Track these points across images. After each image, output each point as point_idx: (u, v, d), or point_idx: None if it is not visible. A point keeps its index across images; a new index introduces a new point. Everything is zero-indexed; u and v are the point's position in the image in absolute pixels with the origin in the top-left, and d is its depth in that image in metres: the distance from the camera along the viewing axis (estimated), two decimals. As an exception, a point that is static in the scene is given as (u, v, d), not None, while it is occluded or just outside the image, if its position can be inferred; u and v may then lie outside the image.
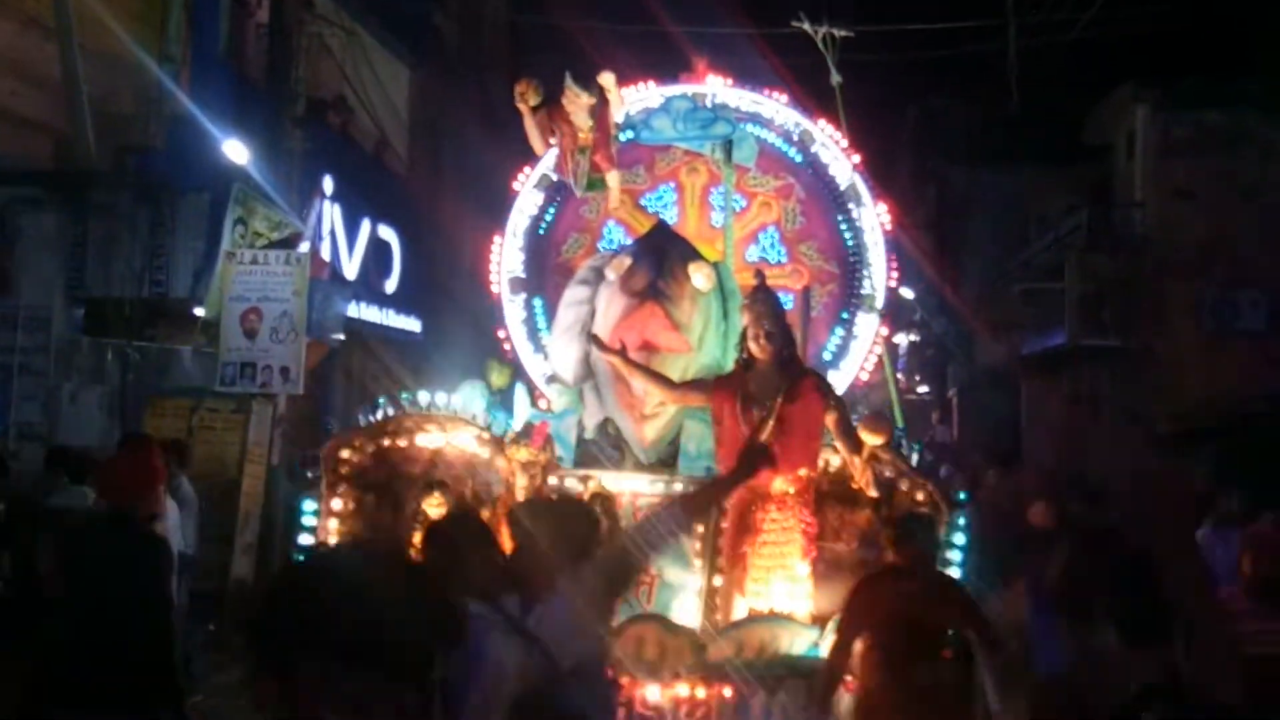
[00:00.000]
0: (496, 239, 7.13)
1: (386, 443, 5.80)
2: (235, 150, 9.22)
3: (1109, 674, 2.65)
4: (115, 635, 3.88)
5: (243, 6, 10.29)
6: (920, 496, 5.38)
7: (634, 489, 5.65)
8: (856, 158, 6.96)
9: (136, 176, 9.48)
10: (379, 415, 5.82)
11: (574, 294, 6.18)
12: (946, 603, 4.41)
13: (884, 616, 4.29)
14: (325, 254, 11.07)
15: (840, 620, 4.52)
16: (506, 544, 5.00)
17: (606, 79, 5.98)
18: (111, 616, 3.90)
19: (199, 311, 9.28)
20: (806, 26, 8.72)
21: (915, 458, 5.63)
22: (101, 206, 9.45)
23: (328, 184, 11.01)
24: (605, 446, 5.92)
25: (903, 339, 25.88)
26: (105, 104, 8.93)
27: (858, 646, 4.37)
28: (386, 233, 13.03)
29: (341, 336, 10.53)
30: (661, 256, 5.82)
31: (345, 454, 5.69)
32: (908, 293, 20.92)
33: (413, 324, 13.82)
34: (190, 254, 9.70)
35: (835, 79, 8.29)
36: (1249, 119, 16.27)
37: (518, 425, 5.93)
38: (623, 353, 5.52)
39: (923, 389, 26.12)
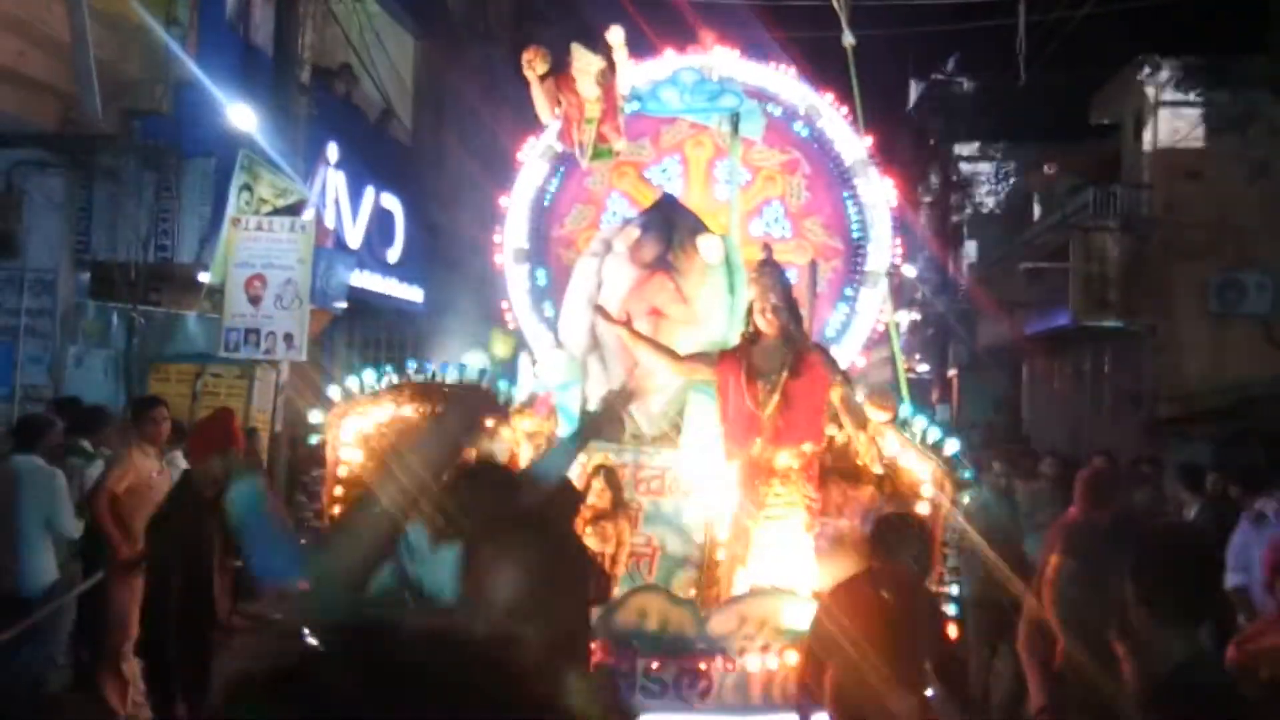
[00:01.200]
0: (501, 207, 7.12)
1: (391, 410, 5.83)
2: (241, 116, 9.20)
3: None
4: None
5: (250, -29, 10.25)
6: (926, 474, 5.37)
7: (637, 462, 5.68)
8: (868, 139, 6.93)
9: (143, 141, 9.46)
10: (383, 383, 5.85)
11: (584, 266, 6.18)
12: (924, 621, 4.16)
13: (857, 636, 3.95)
14: (329, 222, 11.04)
15: (809, 640, 4.22)
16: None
17: (615, 36, 5.91)
18: None
19: (204, 277, 9.28)
20: None
21: (925, 429, 5.53)
22: (108, 170, 9.44)
23: (332, 151, 10.97)
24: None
25: (904, 317, 25.86)
26: (112, 68, 8.90)
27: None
28: (390, 201, 12.99)
29: (344, 304, 10.54)
30: (671, 229, 5.82)
31: (349, 420, 5.72)
32: (910, 270, 20.92)
33: (415, 293, 13.81)
34: (196, 219, 9.70)
35: (848, 39, 8.19)
36: (1258, 99, 16.20)
37: (522, 396, 5.94)
38: (629, 324, 5.52)
39: (923, 367, 26.13)
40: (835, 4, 8.37)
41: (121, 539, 6.16)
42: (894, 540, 4.10)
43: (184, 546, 4.87)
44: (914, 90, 26.31)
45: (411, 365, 5.99)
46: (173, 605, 4.85)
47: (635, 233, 5.85)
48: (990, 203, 23.09)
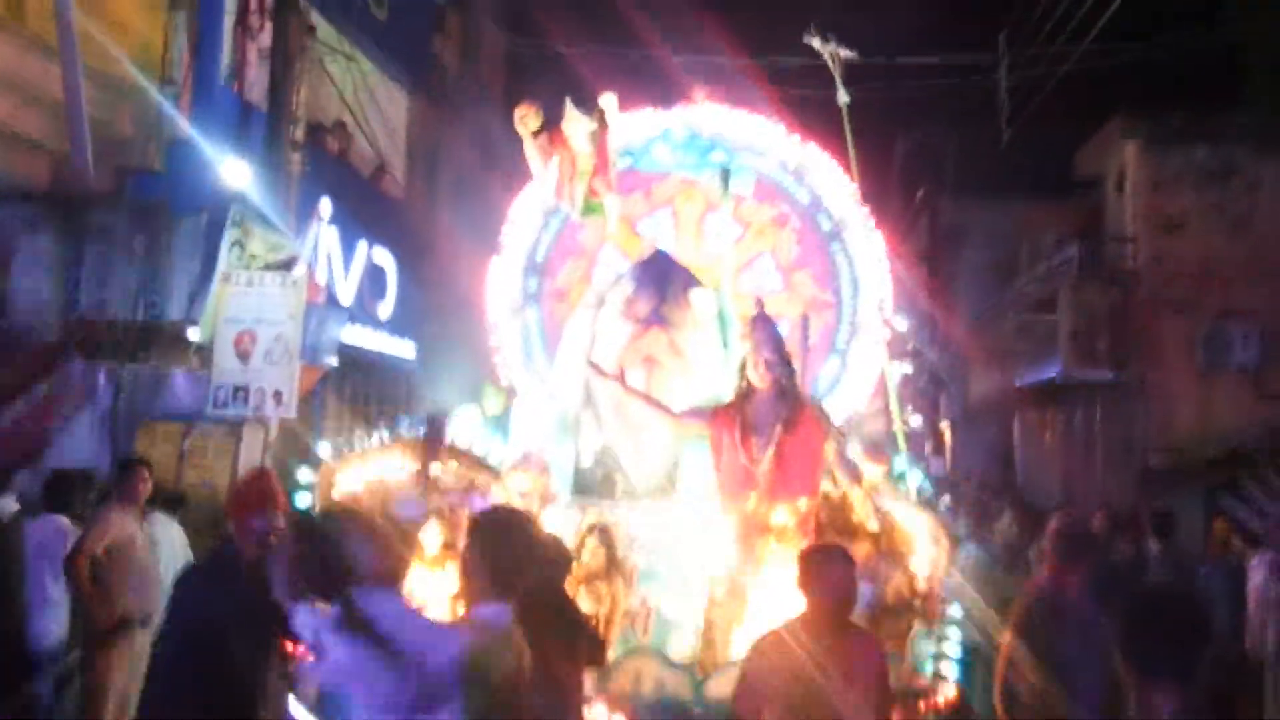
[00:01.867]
0: (494, 263, 7.15)
1: (382, 469, 5.78)
2: (234, 172, 9.23)
3: None
4: None
5: (245, 32, 10.33)
6: (923, 529, 5.32)
7: (632, 519, 5.60)
8: (855, 186, 6.99)
9: (134, 199, 9.47)
10: (374, 440, 5.82)
11: (577, 320, 6.19)
12: (862, 672, 3.67)
13: (786, 688, 3.54)
14: (321, 277, 11.05)
15: (736, 692, 3.80)
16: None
17: (608, 101, 6.00)
18: None
19: (193, 334, 9.24)
20: (815, 43, 8.77)
21: (918, 481, 5.53)
22: (98, 228, 9.43)
23: (325, 207, 11.01)
24: (600, 475, 5.90)
25: (896, 369, 25.91)
26: (105, 126, 8.94)
27: None
28: (382, 257, 13.02)
29: (335, 360, 10.50)
30: (664, 283, 5.86)
31: (340, 480, 5.67)
32: (901, 323, 21.00)
33: (407, 348, 13.78)
34: (186, 276, 9.67)
35: (843, 98, 8.33)
36: (1237, 153, 16.40)
37: (515, 452, 5.89)
38: (622, 379, 5.50)
39: (916, 419, 26.13)
40: (830, 64, 8.51)
41: (100, 603, 6.03)
42: (821, 563, 3.71)
43: (229, 617, 4.03)
44: (900, 146, 26.61)
45: (404, 422, 5.97)
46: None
47: (629, 287, 5.88)
48: (978, 256, 23.24)
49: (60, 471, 7.32)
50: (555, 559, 4.23)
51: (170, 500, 7.81)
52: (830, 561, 3.81)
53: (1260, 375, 15.63)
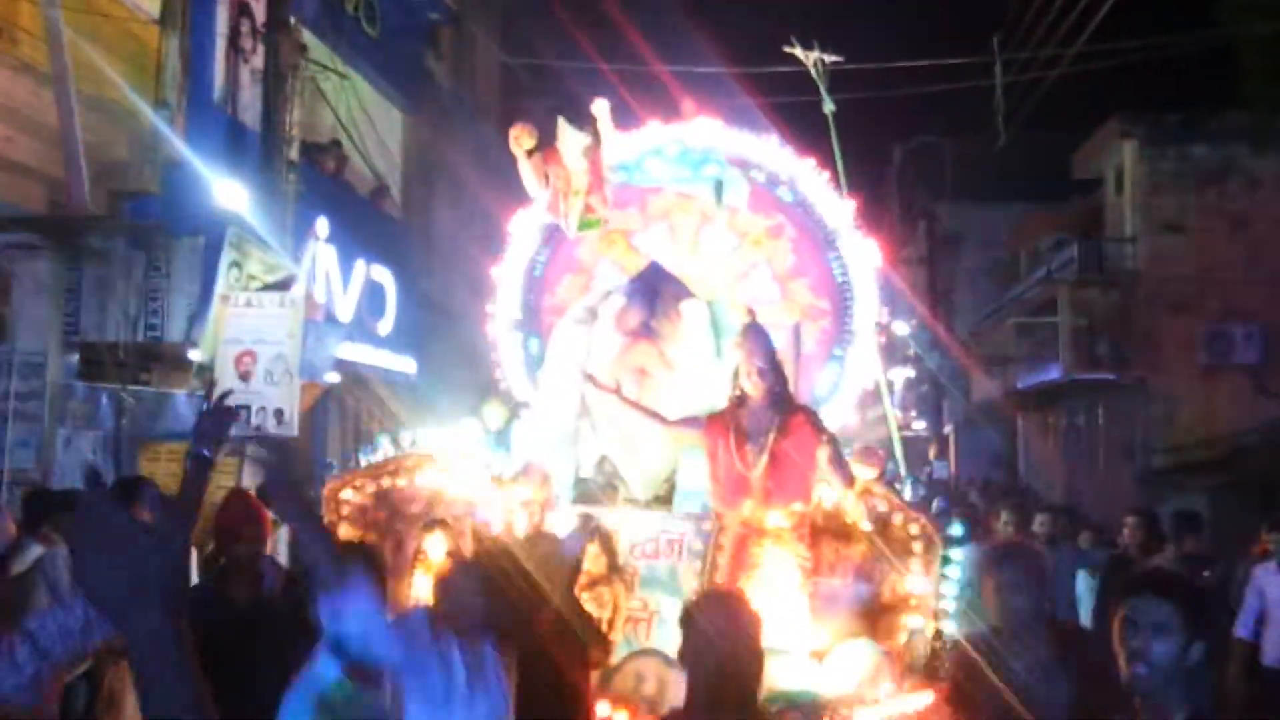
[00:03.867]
0: (493, 279, 7.19)
1: (387, 483, 5.89)
2: (230, 194, 9.28)
3: None
4: None
5: (238, 52, 10.39)
6: (914, 531, 5.41)
7: (631, 526, 5.67)
8: (851, 202, 7.03)
9: (131, 221, 9.52)
10: (379, 455, 5.89)
11: (568, 334, 6.24)
12: None
13: None
14: (320, 296, 11.09)
15: None
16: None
17: (600, 108, 6.05)
18: None
19: (193, 355, 9.28)
20: (798, 51, 8.81)
21: (909, 491, 5.66)
22: (96, 252, 9.48)
23: (322, 226, 11.04)
24: (600, 483, 5.96)
25: (899, 374, 25.90)
26: (100, 150, 8.98)
27: None
28: (381, 274, 13.07)
29: (335, 377, 10.53)
30: (654, 296, 5.90)
31: (346, 494, 5.72)
32: (902, 328, 21.04)
33: (407, 364, 13.83)
34: (185, 298, 9.72)
35: (828, 106, 8.37)
36: (1235, 152, 16.45)
37: (517, 464, 5.94)
38: (618, 391, 5.56)
39: (919, 424, 26.14)
40: (814, 74, 8.54)
41: None
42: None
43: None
44: (897, 152, 26.67)
45: (408, 436, 6.03)
46: None
47: (620, 301, 5.95)
48: (977, 260, 23.28)
49: (38, 491, 7.30)
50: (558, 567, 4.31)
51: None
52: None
53: (1262, 374, 15.63)
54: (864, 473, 5.23)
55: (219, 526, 4.49)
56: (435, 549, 5.34)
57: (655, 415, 5.58)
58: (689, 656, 2.93)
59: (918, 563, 5.24)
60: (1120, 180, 17.91)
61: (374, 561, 3.06)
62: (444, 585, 3.68)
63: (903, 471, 7.04)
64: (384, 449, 6.03)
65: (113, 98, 8.86)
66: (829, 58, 8.70)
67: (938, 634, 5.14)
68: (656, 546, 5.63)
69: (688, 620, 2.98)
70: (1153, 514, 8.16)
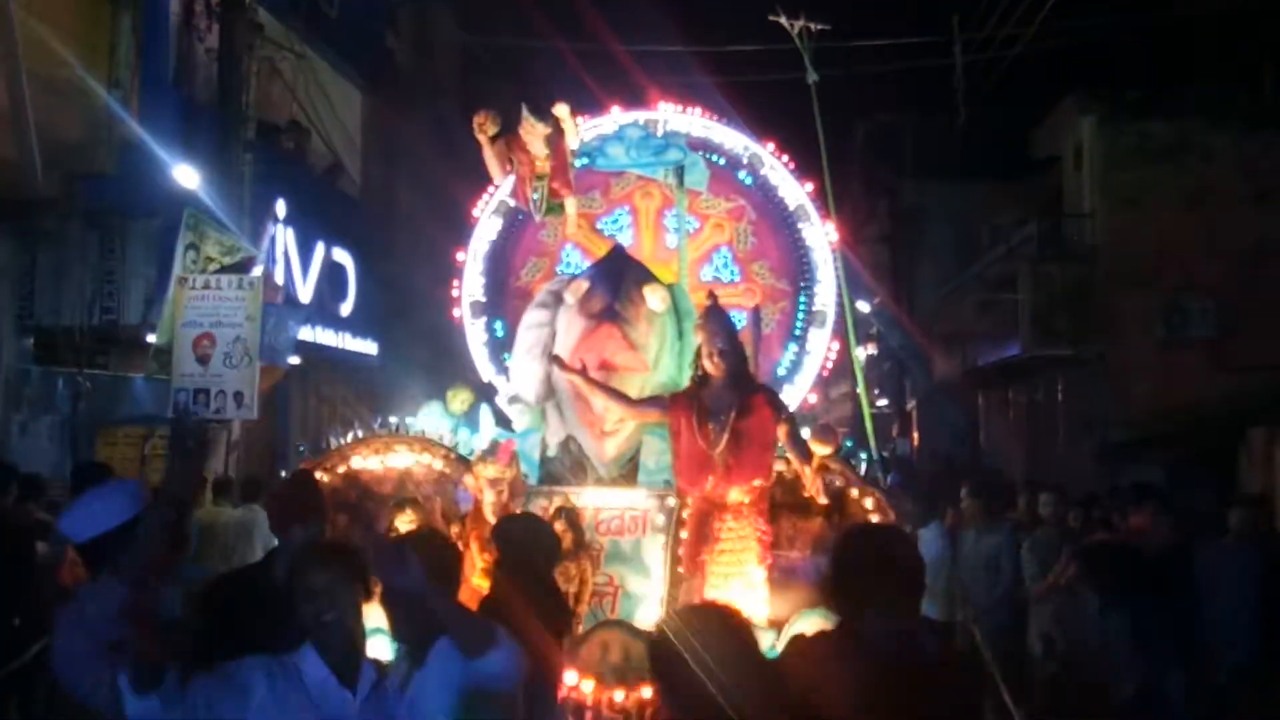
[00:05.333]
0: (457, 261, 7.21)
1: (357, 463, 6.00)
2: (186, 175, 9.17)
3: None
4: None
5: (192, 31, 10.24)
6: (869, 505, 5.53)
7: (596, 503, 5.76)
8: (809, 186, 7.09)
9: (86, 203, 9.40)
10: (349, 438, 6.01)
11: (533, 317, 6.31)
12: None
13: None
14: (279, 278, 11.01)
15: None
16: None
17: (561, 110, 6.13)
18: None
19: (151, 338, 9.19)
20: (784, 21, 8.79)
21: (864, 467, 5.78)
22: (51, 234, 9.36)
23: (280, 207, 10.96)
24: (567, 463, 6.03)
25: (860, 353, 26.06)
26: (53, 131, 8.84)
27: None
28: (341, 256, 12.98)
29: (295, 360, 10.47)
30: (618, 280, 5.97)
31: (318, 475, 5.73)
32: (864, 306, 21.14)
33: (369, 346, 13.77)
34: (141, 280, 9.62)
35: (811, 76, 8.38)
36: (1192, 127, 16.60)
37: (484, 444, 6.00)
38: (583, 372, 5.61)
39: (882, 402, 26.32)
40: (799, 43, 8.55)
41: None
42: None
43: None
44: (860, 130, 26.72)
45: (376, 420, 6.07)
46: None
47: (584, 285, 6.03)
48: (938, 237, 23.43)
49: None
50: (541, 542, 4.40)
51: None
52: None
53: (1219, 348, 15.83)
54: (821, 450, 5.32)
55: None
56: (405, 528, 5.37)
57: (619, 395, 5.63)
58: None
59: None
60: (1079, 156, 18.05)
61: (360, 556, 3.00)
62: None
63: (873, 447, 7.13)
64: (354, 431, 6.09)
65: (65, 78, 8.72)
66: (816, 26, 8.68)
67: None
68: (621, 523, 5.73)
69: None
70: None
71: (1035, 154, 20.59)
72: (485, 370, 7.06)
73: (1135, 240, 16.37)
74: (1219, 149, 16.49)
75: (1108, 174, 17.11)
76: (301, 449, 6.51)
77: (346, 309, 13.23)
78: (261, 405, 9.41)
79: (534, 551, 4.25)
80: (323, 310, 12.46)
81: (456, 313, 7.22)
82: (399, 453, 6.04)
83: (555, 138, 6.21)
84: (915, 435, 25.22)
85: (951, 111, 22.88)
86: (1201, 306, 16.23)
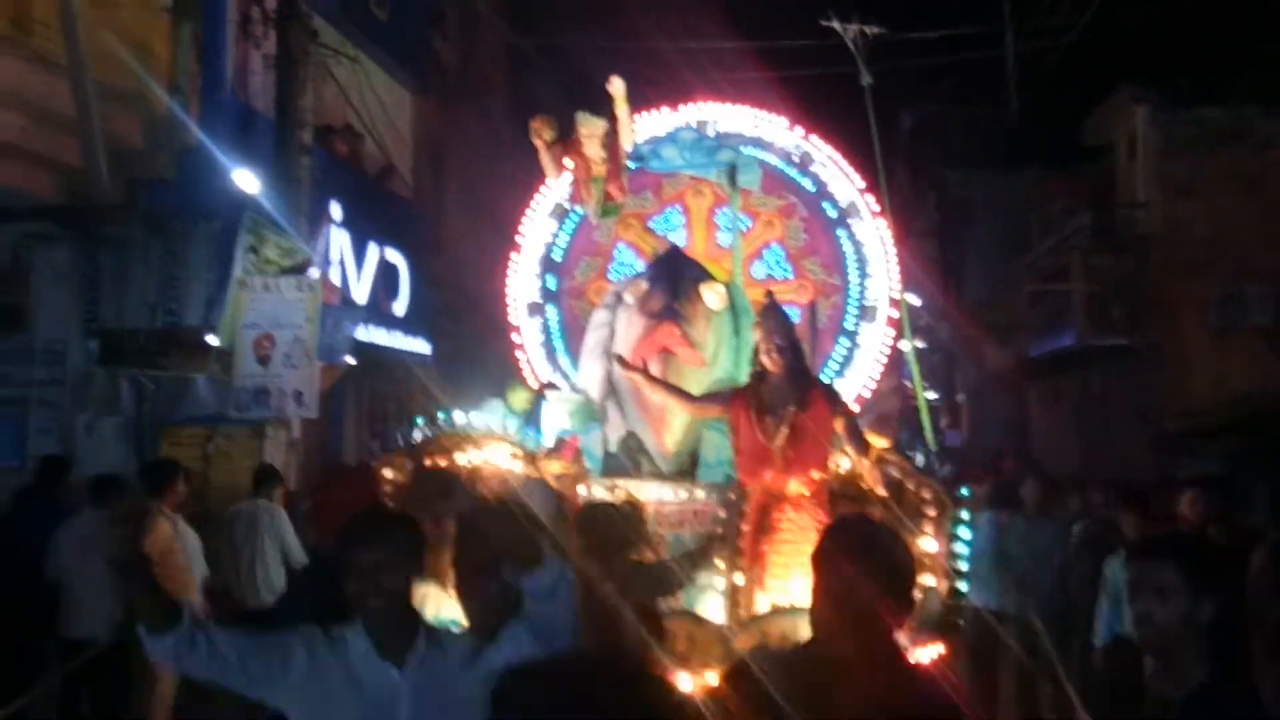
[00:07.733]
0: (512, 263, 7.29)
1: (427, 462, 5.98)
2: (245, 180, 9.34)
3: None
4: None
5: (250, 39, 10.42)
6: (926, 495, 5.56)
7: (658, 497, 5.82)
8: (860, 181, 7.11)
9: (148, 209, 9.60)
10: (416, 435, 6.01)
11: (596, 318, 6.44)
12: None
13: None
14: (335, 279, 11.18)
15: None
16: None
17: (616, 87, 6.14)
18: None
19: (212, 340, 9.38)
20: (837, 25, 8.83)
21: (920, 458, 5.81)
22: (114, 239, 9.57)
23: (335, 210, 11.12)
24: (628, 458, 6.11)
25: (907, 345, 25.86)
26: (116, 138, 9.04)
27: None
28: (394, 256, 13.14)
29: (352, 360, 10.64)
30: (676, 279, 6.08)
31: (388, 473, 5.83)
32: (913, 299, 20.99)
33: (422, 345, 13.92)
34: (202, 283, 9.81)
35: (865, 79, 8.43)
36: (1248, 114, 16.33)
37: (548, 441, 6.12)
38: (645, 370, 5.71)
39: (932, 395, 26.13)
40: (852, 47, 8.59)
41: None
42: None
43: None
44: (906, 121, 26.49)
45: (442, 417, 6.12)
46: None
47: (643, 285, 6.13)
48: (988, 229, 23.21)
49: (103, 476, 7.49)
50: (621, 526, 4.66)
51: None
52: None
53: (1276, 336, 15.57)
54: (878, 442, 5.38)
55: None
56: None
57: (680, 393, 5.73)
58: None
59: (930, 525, 5.41)
60: (1132, 146, 17.82)
61: (416, 530, 3.02)
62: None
63: (930, 438, 7.16)
64: (422, 429, 6.13)
65: (127, 86, 8.90)
66: (870, 29, 8.72)
67: (952, 592, 5.36)
68: (682, 516, 5.79)
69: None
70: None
71: (1087, 143, 20.35)
72: (542, 370, 7.13)
73: (1190, 229, 16.14)
74: (1275, 134, 16.21)
75: (1162, 163, 16.88)
76: (373, 449, 6.54)
77: (400, 308, 13.39)
78: (319, 405, 9.59)
79: (622, 530, 4.45)
80: (376, 310, 12.62)
81: (511, 312, 7.29)
82: (466, 450, 5.96)
83: (610, 137, 6.29)
84: (965, 427, 25.03)
85: (1000, 102, 22.65)
86: (1258, 294, 15.96)
